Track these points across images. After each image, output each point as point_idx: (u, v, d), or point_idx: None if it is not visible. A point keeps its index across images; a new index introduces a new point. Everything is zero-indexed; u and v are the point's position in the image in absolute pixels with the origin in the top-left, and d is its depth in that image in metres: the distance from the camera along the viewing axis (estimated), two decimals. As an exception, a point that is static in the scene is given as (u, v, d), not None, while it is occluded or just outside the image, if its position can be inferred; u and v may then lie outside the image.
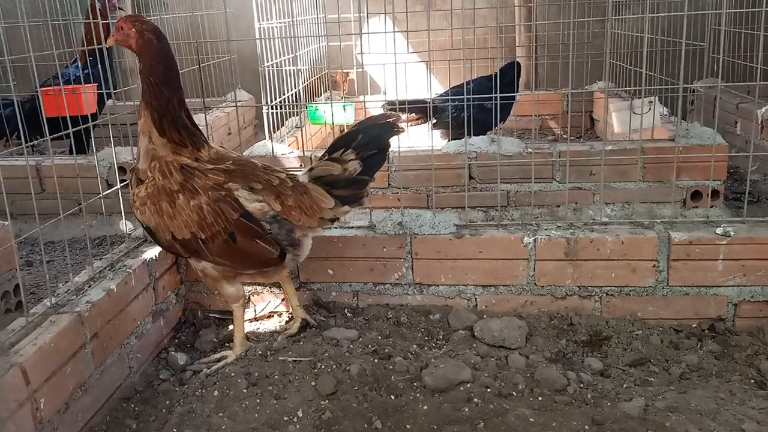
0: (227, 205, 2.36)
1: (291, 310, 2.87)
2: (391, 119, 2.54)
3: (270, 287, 2.98)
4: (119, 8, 4.43)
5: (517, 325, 2.65)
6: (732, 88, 5.00)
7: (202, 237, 2.36)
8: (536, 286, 2.81)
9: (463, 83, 4.57)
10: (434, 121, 4.67)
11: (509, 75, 4.59)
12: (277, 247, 2.42)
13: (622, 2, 5.21)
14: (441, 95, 4.86)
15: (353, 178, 2.48)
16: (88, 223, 2.87)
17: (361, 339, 2.65)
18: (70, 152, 4.54)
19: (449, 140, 4.22)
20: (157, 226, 2.39)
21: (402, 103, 4.33)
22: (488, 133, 4.43)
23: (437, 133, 4.85)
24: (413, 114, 4.65)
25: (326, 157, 2.52)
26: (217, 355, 2.62)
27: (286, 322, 2.90)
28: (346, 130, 2.59)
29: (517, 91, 4.80)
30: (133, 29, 2.37)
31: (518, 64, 4.77)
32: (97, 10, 4.30)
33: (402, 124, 2.57)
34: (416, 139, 4.52)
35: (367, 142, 2.48)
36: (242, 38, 5.55)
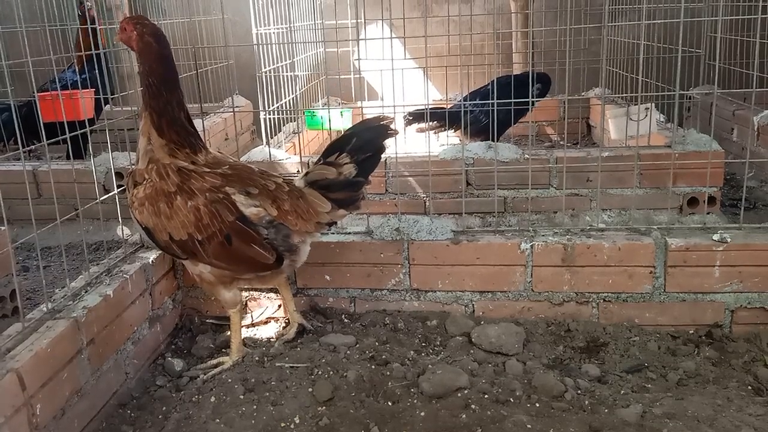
0: (224, 208, 2.37)
1: (288, 316, 2.86)
2: (384, 122, 2.55)
3: (267, 293, 2.97)
4: (88, 9, 4.41)
5: (514, 331, 2.65)
6: (728, 95, 5.02)
7: (199, 238, 2.37)
8: (533, 292, 2.81)
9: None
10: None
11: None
12: (273, 252, 2.41)
13: (618, 9, 5.23)
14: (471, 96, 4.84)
15: (348, 181, 2.49)
16: (84, 229, 2.86)
17: (358, 345, 2.64)
18: (67, 157, 4.53)
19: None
20: (155, 227, 2.40)
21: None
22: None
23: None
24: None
25: (321, 162, 2.52)
26: (214, 361, 2.62)
27: (283, 327, 2.89)
28: (340, 134, 2.59)
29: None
30: (135, 31, 2.38)
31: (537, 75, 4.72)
32: (90, 15, 4.31)
33: (395, 127, 2.57)
34: (414, 144, 4.53)
35: (362, 145, 2.49)
36: (240, 44, 5.55)
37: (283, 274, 2.64)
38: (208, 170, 2.43)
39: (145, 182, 2.41)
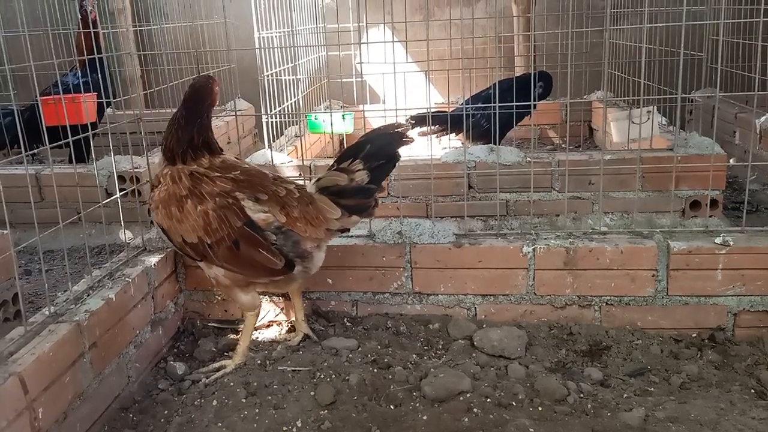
0: (232, 213, 2.39)
1: (291, 320, 2.86)
2: (399, 129, 2.53)
3: (269, 297, 2.97)
4: (89, 12, 4.43)
5: (516, 334, 2.64)
6: (730, 98, 5.02)
7: (208, 242, 2.40)
8: (536, 295, 2.80)
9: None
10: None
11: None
12: (281, 258, 2.41)
13: (620, 12, 5.24)
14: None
15: (360, 187, 2.47)
16: (87, 232, 2.87)
17: (360, 348, 2.64)
18: (70, 161, 4.54)
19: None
20: (169, 229, 2.47)
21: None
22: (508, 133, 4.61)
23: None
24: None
25: (334, 168, 2.51)
26: (216, 365, 2.61)
27: (286, 332, 2.89)
28: (355, 141, 2.57)
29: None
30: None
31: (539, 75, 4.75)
32: (92, 18, 4.33)
33: (410, 134, 2.56)
34: (416, 148, 4.52)
35: (375, 152, 2.47)
36: (242, 48, 5.56)
37: (296, 280, 2.63)
38: (220, 174, 2.46)
39: (160, 185, 2.49)
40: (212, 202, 2.39)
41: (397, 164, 2.56)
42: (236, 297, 2.59)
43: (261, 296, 2.98)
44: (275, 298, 2.96)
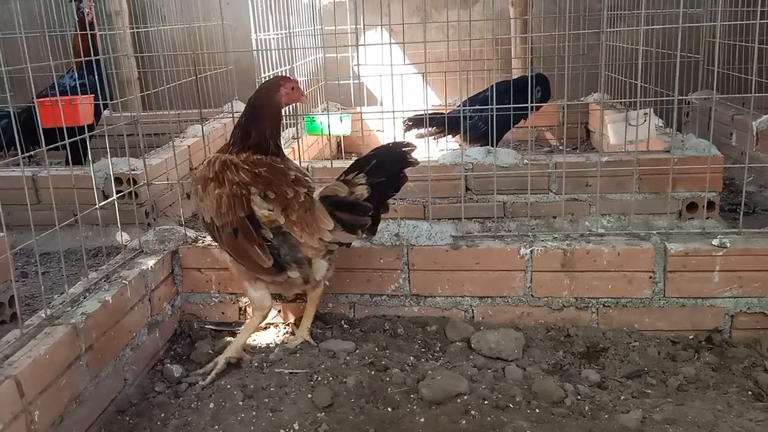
0: (239, 203, 2.46)
1: (289, 321, 2.85)
2: (405, 149, 2.45)
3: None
4: (86, 14, 4.43)
5: (514, 336, 2.64)
6: (727, 100, 5.03)
7: (217, 224, 2.51)
8: (533, 297, 2.80)
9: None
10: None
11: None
12: (270, 258, 2.41)
13: (617, 15, 5.25)
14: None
15: (355, 202, 2.40)
16: (83, 234, 2.86)
17: (357, 351, 2.64)
18: (67, 163, 4.54)
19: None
20: (196, 205, 2.67)
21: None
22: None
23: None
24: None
25: (341, 177, 2.46)
26: (210, 364, 2.60)
27: (284, 334, 2.89)
28: (364, 153, 2.54)
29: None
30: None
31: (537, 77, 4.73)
32: (89, 20, 4.33)
33: (414, 156, 2.47)
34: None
35: (378, 167, 2.40)
36: (239, 50, 5.56)
37: (298, 286, 2.61)
38: (247, 168, 2.56)
39: (200, 165, 2.69)
40: (228, 189, 2.50)
41: (400, 188, 2.45)
42: (246, 291, 2.64)
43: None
44: (273, 301, 2.95)
